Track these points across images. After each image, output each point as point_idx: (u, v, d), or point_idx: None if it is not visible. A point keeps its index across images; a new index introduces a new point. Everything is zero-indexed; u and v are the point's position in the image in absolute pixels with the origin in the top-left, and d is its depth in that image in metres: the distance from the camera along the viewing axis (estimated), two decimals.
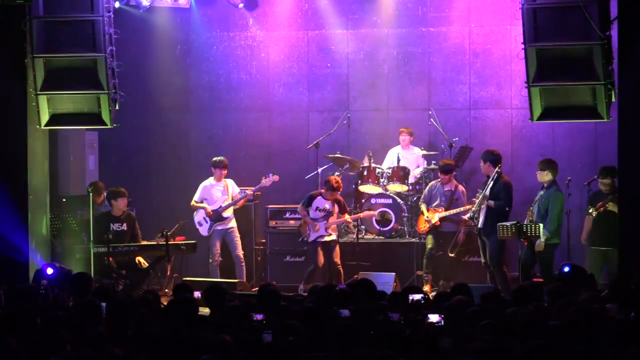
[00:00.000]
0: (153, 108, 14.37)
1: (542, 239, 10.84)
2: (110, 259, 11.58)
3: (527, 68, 10.06)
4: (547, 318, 6.54)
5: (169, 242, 11.79)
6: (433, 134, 13.80)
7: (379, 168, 13.14)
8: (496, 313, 6.77)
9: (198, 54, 14.52)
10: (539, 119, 10.30)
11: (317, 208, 12.17)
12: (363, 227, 12.89)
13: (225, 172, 12.66)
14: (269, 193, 13.32)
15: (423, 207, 12.38)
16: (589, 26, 9.71)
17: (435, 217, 12.19)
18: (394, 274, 11.79)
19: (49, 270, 9.79)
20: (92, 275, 10.43)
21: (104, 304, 7.03)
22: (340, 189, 12.26)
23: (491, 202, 11.18)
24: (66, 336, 5.92)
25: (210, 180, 12.71)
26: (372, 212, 12.68)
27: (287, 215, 13.01)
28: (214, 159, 12.66)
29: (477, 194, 11.44)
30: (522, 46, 10.07)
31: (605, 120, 10.16)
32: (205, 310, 7.85)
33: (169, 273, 12.65)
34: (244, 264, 12.61)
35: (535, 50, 10.00)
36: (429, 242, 12.27)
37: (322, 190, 12.23)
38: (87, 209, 11.52)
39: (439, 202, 12.27)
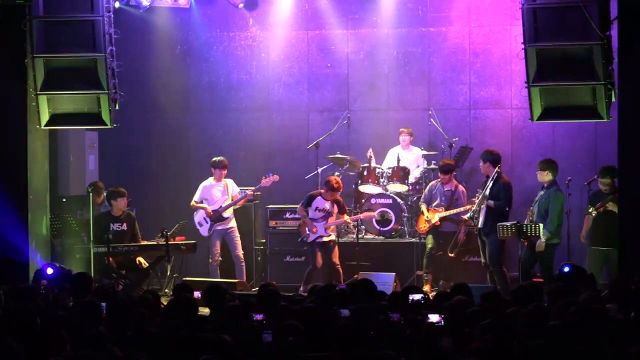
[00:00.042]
0: (153, 108, 14.37)
1: (543, 239, 10.84)
2: (110, 259, 11.58)
3: (527, 68, 10.06)
4: (547, 318, 6.54)
5: (169, 242, 11.80)
6: (433, 134, 13.80)
7: (379, 168, 13.14)
8: (496, 313, 6.77)
9: (198, 54, 14.52)
10: (539, 119, 10.30)
11: (316, 208, 12.16)
12: (363, 227, 12.89)
13: (225, 172, 12.66)
14: (269, 193, 13.32)
15: (423, 207, 12.38)
16: (589, 26, 9.70)
17: (435, 217, 12.19)
18: (394, 274, 11.79)
19: (49, 270, 9.78)
20: (92, 275, 10.43)
21: (104, 304, 7.03)
22: (340, 190, 12.25)
23: (491, 202, 11.19)
24: (66, 336, 5.92)
25: (210, 180, 12.71)
26: (371, 213, 12.68)
27: (287, 215, 13.00)
28: (214, 159, 12.67)
29: (477, 194, 11.45)
30: (522, 46, 10.06)
31: (605, 120, 10.16)
32: (205, 310, 7.85)
33: (169, 273, 12.64)
34: (244, 264, 12.61)
35: (535, 50, 9.99)
36: (429, 242, 12.27)
37: (322, 191, 12.23)
38: (87, 209, 11.52)
39: (439, 202, 12.27)
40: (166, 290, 12.34)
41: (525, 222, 10.89)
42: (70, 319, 6.70)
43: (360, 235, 12.73)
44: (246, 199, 12.77)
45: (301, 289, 11.81)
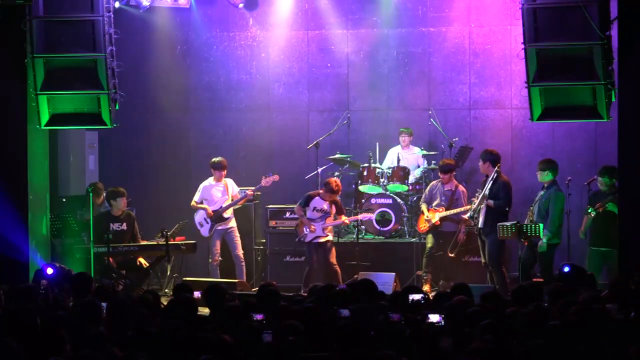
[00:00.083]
0: (153, 108, 14.37)
1: (544, 239, 10.85)
2: (111, 259, 11.59)
3: (527, 68, 10.06)
4: (547, 318, 6.54)
5: (169, 242, 11.80)
6: (433, 134, 13.80)
7: (379, 168, 13.14)
8: (496, 313, 6.76)
9: (198, 54, 14.52)
10: (539, 119, 10.31)
11: (314, 208, 12.16)
12: (363, 227, 12.89)
13: (225, 172, 12.66)
14: (269, 193, 13.32)
15: (423, 207, 12.38)
16: (589, 26, 9.71)
17: (435, 217, 12.19)
18: (394, 274, 11.79)
19: (49, 270, 9.79)
20: (92, 275, 10.43)
21: (104, 304, 7.03)
22: (340, 192, 12.26)
23: (490, 202, 11.19)
24: (66, 336, 5.92)
25: (210, 180, 12.70)
26: (369, 214, 12.67)
27: (287, 215, 13.00)
28: (213, 160, 12.65)
29: (477, 194, 11.45)
30: (522, 46, 10.07)
31: (605, 120, 10.16)
32: (205, 310, 7.85)
33: (169, 273, 12.64)
34: (244, 263, 12.61)
35: (535, 50, 10.00)
36: (429, 241, 12.27)
37: (321, 191, 12.22)
38: (87, 209, 11.52)
39: (439, 202, 12.27)
40: (166, 290, 12.34)
41: (526, 222, 10.89)
42: (70, 319, 6.70)
43: (360, 235, 12.73)
44: (246, 198, 12.77)
45: (302, 291, 11.80)
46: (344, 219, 12.25)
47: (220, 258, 12.58)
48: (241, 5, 14.19)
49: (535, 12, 9.97)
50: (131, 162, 14.32)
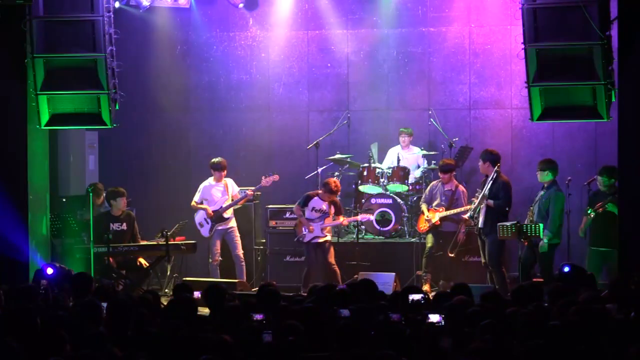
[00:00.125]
0: (153, 108, 14.37)
1: (545, 239, 10.85)
2: (111, 259, 11.59)
3: (527, 68, 10.06)
4: (547, 318, 6.54)
5: (169, 242, 11.80)
6: (433, 134, 13.80)
7: (379, 168, 13.14)
8: (496, 313, 6.76)
9: (198, 54, 14.51)
10: (539, 119, 10.31)
11: (313, 208, 12.16)
12: (363, 227, 12.89)
13: (225, 172, 12.66)
14: (269, 193, 13.32)
15: (424, 207, 12.39)
16: (589, 26, 9.71)
17: (435, 217, 12.19)
18: (394, 274, 11.79)
19: (49, 270, 9.78)
20: (92, 275, 10.43)
21: (104, 304, 7.03)
22: (339, 192, 12.26)
23: (490, 202, 11.20)
24: (66, 336, 5.92)
25: (210, 180, 12.70)
26: (368, 215, 12.66)
27: (287, 215, 12.99)
28: (213, 160, 12.64)
29: (477, 194, 11.45)
30: (522, 46, 10.07)
31: (605, 120, 10.16)
32: (205, 310, 7.85)
33: (169, 273, 12.64)
34: (244, 263, 12.61)
35: (535, 50, 10.00)
36: (429, 241, 12.27)
37: (320, 191, 12.22)
38: (87, 209, 11.52)
39: (439, 202, 12.27)
40: (166, 290, 12.34)
41: (526, 222, 10.89)
42: (70, 319, 6.70)
43: (360, 235, 12.73)
44: (246, 198, 12.77)
45: (301, 291, 11.80)
46: (342, 219, 12.24)
47: (220, 258, 12.58)
48: (241, 5, 14.19)
49: (535, 12, 9.97)
50: (131, 162, 14.32)
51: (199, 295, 8.13)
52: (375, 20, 14.18)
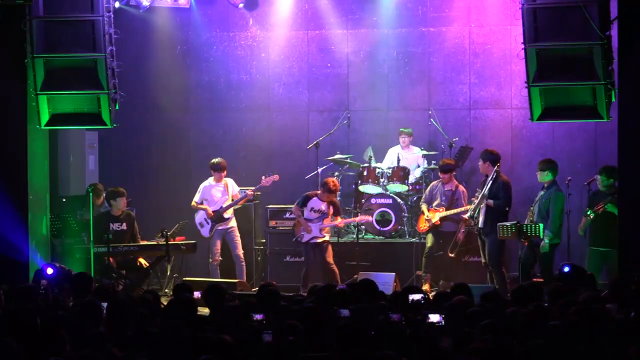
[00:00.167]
0: (153, 108, 14.37)
1: (546, 239, 10.85)
2: (111, 259, 11.59)
3: (527, 68, 10.06)
4: (547, 318, 6.54)
5: (169, 242, 11.80)
6: (433, 134, 13.81)
7: (379, 168, 13.14)
8: (496, 313, 6.76)
9: (198, 54, 14.52)
10: (539, 119, 10.31)
11: (312, 209, 12.16)
12: (363, 227, 12.89)
13: (224, 173, 12.65)
14: (269, 193, 13.32)
15: (424, 207, 12.39)
16: (589, 26, 9.71)
17: (435, 217, 12.19)
18: (394, 274, 11.79)
19: (49, 270, 9.78)
20: (92, 275, 10.43)
21: (104, 304, 7.03)
22: (338, 192, 12.27)
23: (490, 202, 11.20)
24: (66, 336, 5.92)
25: (210, 180, 12.70)
26: (366, 217, 12.64)
27: (287, 215, 12.99)
28: (212, 161, 12.63)
29: (477, 194, 11.46)
30: (522, 46, 10.07)
31: (605, 120, 10.16)
32: (205, 310, 7.85)
33: (169, 273, 12.64)
34: (244, 263, 12.61)
35: (535, 50, 10.00)
36: (429, 241, 12.27)
37: (319, 192, 12.22)
38: (87, 209, 11.52)
39: (439, 202, 12.27)
40: (166, 290, 12.34)
41: (526, 222, 10.89)
42: (70, 319, 6.70)
43: (360, 235, 12.73)
44: (246, 198, 12.77)
45: (301, 291, 11.80)
46: (339, 221, 12.24)
47: (220, 258, 12.58)
48: (241, 5, 14.19)
49: (535, 12, 9.97)
50: (131, 162, 14.31)
51: (199, 295, 8.13)
52: (375, 20, 14.18)
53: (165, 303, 8.24)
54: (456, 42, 14.01)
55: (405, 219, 12.97)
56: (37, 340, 5.92)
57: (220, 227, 12.58)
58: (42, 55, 10.44)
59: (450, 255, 12.12)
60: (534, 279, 10.60)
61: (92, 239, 11.21)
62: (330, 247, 12.13)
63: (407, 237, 12.96)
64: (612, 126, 10.57)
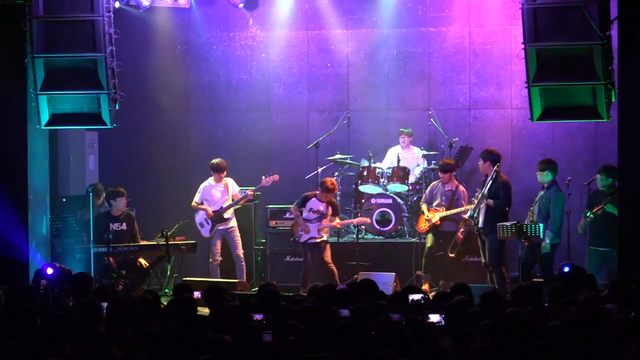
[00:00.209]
0: (153, 108, 14.36)
1: (547, 240, 10.84)
2: (111, 259, 11.59)
3: (527, 68, 10.07)
4: (547, 318, 6.54)
5: (169, 242, 11.79)
6: (433, 134, 13.81)
7: (379, 168, 13.14)
8: (496, 313, 6.76)
9: (198, 54, 14.51)
10: (539, 119, 10.31)
11: (310, 209, 12.17)
12: (363, 227, 12.89)
13: (224, 174, 12.65)
14: (269, 193, 13.32)
15: (424, 207, 12.39)
16: (589, 26, 9.71)
17: (435, 217, 12.19)
18: (394, 274, 11.79)
19: (49, 270, 9.78)
20: (92, 275, 10.43)
21: (104, 304, 7.03)
22: (335, 191, 12.27)
23: (490, 201, 11.20)
24: (66, 336, 5.92)
25: (210, 180, 12.70)
26: (364, 219, 12.63)
27: (287, 215, 12.98)
28: (212, 162, 12.61)
29: (477, 194, 11.45)
30: (522, 46, 10.07)
31: (605, 120, 10.16)
32: (205, 310, 7.85)
33: (169, 273, 12.64)
34: (244, 263, 12.61)
35: (535, 50, 10.00)
36: (429, 241, 12.27)
37: (317, 192, 12.22)
38: (87, 209, 11.53)
39: (439, 202, 12.27)
40: (166, 290, 12.34)
41: (526, 222, 10.89)
42: (70, 319, 6.70)
43: (360, 235, 12.73)
44: (246, 199, 12.76)
45: (300, 291, 11.80)
46: (337, 222, 12.24)
47: (220, 258, 12.58)
48: (241, 5, 14.19)
49: (535, 12, 9.97)
50: (131, 162, 14.31)
51: (199, 295, 8.13)
52: (375, 20, 14.18)
53: (165, 303, 8.24)
54: (456, 42, 14.01)
55: (405, 219, 12.97)
56: (37, 340, 5.92)
57: (220, 227, 12.58)
58: (42, 55, 10.45)
59: (450, 255, 12.11)
60: (534, 279, 10.60)
61: (92, 239, 11.21)
62: (328, 247, 12.13)
63: (407, 237, 12.97)
64: (612, 126, 10.58)
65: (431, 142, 13.81)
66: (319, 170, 13.32)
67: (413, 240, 12.80)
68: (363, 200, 13.10)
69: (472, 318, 6.51)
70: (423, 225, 12.35)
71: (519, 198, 11.98)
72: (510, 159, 13.41)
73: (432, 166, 13.15)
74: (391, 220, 12.95)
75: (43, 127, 10.78)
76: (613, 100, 10.01)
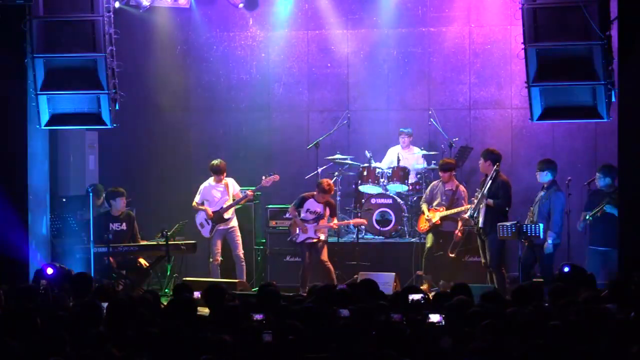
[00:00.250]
0: (153, 108, 14.36)
1: (549, 240, 10.84)
2: (111, 259, 11.59)
3: (527, 68, 10.07)
4: (547, 318, 6.54)
5: (169, 242, 11.79)
6: (433, 134, 13.80)
7: (379, 168, 13.14)
8: (496, 313, 6.76)
9: (198, 54, 14.51)
10: (539, 119, 10.32)
11: (307, 210, 12.17)
12: (363, 227, 12.89)
13: (224, 174, 12.64)
14: (269, 193, 13.32)
15: (424, 207, 12.38)
16: (589, 26, 9.72)
17: (436, 216, 12.18)
18: (394, 274, 11.79)
19: (49, 270, 9.78)
20: (92, 275, 10.43)
21: (104, 304, 7.03)
22: (332, 192, 12.27)
23: (490, 201, 11.19)
24: (66, 336, 5.92)
25: (210, 181, 12.69)
26: (361, 220, 12.62)
27: (287, 215, 12.96)
28: (212, 163, 12.59)
29: (477, 193, 11.45)
30: (522, 46, 10.07)
31: (605, 120, 10.16)
32: (205, 310, 7.85)
33: (169, 273, 12.63)
34: (244, 263, 12.60)
35: (535, 50, 10.01)
36: (429, 241, 12.26)
37: (315, 193, 12.23)
38: (87, 209, 11.53)
39: (439, 201, 12.26)
40: (166, 290, 12.34)
41: (526, 222, 10.89)
42: (70, 319, 6.70)
43: (360, 235, 12.73)
44: (247, 199, 12.76)
45: (300, 291, 11.80)
46: (334, 223, 12.25)
47: (220, 258, 12.58)
48: (241, 5, 14.18)
49: (535, 12, 9.98)
50: (131, 162, 14.30)
51: (199, 295, 8.13)
52: (375, 20, 14.18)
53: (165, 303, 8.23)
54: (456, 42, 14.01)
55: (405, 219, 12.97)
56: (37, 340, 5.92)
57: (221, 227, 12.57)
58: (42, 55, 10.46)
59: (450, 255, 12.11)
60: (534, 279, 10.60)
61: (92, 239, 11.21)
62: (325, 246, 12.14)
63: (407, 237, 12.97)
64: (612, 126, 10.58)
65: (431, 142, 13.81)
66: (319, 170, 13.31)
67: (413, 240, 12.80)
68: (363, 200, 13.10)
69: (472, 318, 6.51)
70: (423, 225, 12.34)
71: (519, 198, 11.97)
72: (510, 159, 13.40)
73: (432, 166, 13.15)
74: (391, 220, 12.95)
75: (43, 127, 10.79)
76: (613, 100, 10.01)
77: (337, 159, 13.41)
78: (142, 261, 11.91)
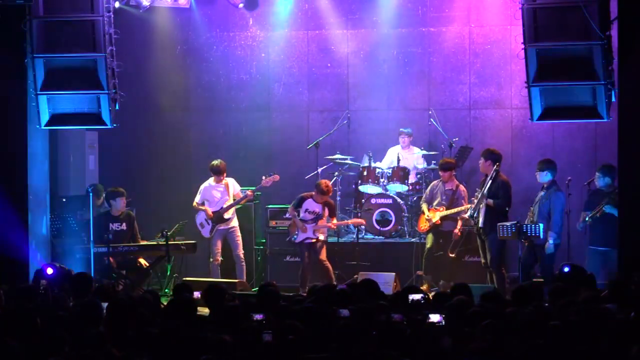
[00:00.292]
0: (153, 108, 14.36)
1: (550, 241, 10.85)
2: (111, 259, 11.59)
3: (527, 68, 10.07)
4: (547, 318, 6.54)
5: (169, 242, 11.79)
6: (433, 134, 13.81)
7: (379, 168, 13.14)
8: (496, 313, 6.76)
9: (198, 54, 14.51)
10: (539, 119, 10.32)
11: (306, 210, 12.18)
12: (363, 227, 12.89)
13: (224, 175, 12.64)
14: (269, 193, 13.31)
15: (424, 206, 12.38)
16: (589, 26, 9.72)
17: (436, 216, 12.18)
18: (394, 274, 11.79)
19: (49, 270, 9.77)
20: (92, 275, 10.43)
21: (104, 304, 7.03)
22: (330, 193, 12.26)
23: (490, 201, 11.20)
24: (66, 336, 5.92)
25: (210, 181, 12.69)
26: (360, 220, 12.62)
27: (287, 215, 12.97)
28: (212, 163, 12.58)
29: (477, 193, 11.45)
30: (522, 46, 10.07)
31: (605, 120, 10.16)
32: (205, 310, 7.85)
33: (169, 273, 12.63)
34: (244, 263, 12.60)
35: (535, 50, 10.01)
36: (429, 241, 12.26)
37: (313, 193, 12.23)
38: (87, 209, 11.53)
39: (439, 201, 12.26)
40: (166, 290, 12.34)
41: (526, 222, 10.89)
42: (70, 319, 6.70)
43: (360, 235, 12.73)
44: (247, 199, 12.76)
45: (300, 291, 11.80)
46: (333, 223, 12.25)
47: (221, 258, 12.58)
48: (241, 5, 14.18)
49: (535, 12, 9.98)
50: (131, 162, 14.30)
51: (199, 295, 8.13)
52: (375, 20, 14.18)
53: (165, 303, 8.23)
54: (456, 42, 14.01)
55: (405, 219, 12.97)
56: (37, 340, 5.92)
57: (221, 227, 12.57)
58: (42, 55, 10.46)
59: (450, 255, 12.11)
60: (534, 279, 10.60)
61: (92, 239, 11.21)
62: (324, 246, 12.15)
63: (407, 237, 12.97)
64: (612, 126, 10.57)
65: (431, 142, 13.82)
66: (319, 170, 13.31)
67: (413, 240, 12.80)
68: (363, 200, 13.10)
69: (472, 318, 6.51)
70: (423, 225, 12.34)
71: (519, 198, 11.97)
72: (510, 159, 13.40)
73: (432, 166, 13.15)
74: (391, 220, 12.96)
75: (43, 127, 10.79)
76: (613, 100, 10.01)
77: (337, 159, 13.41)
78: (142, 261, 11.92)
